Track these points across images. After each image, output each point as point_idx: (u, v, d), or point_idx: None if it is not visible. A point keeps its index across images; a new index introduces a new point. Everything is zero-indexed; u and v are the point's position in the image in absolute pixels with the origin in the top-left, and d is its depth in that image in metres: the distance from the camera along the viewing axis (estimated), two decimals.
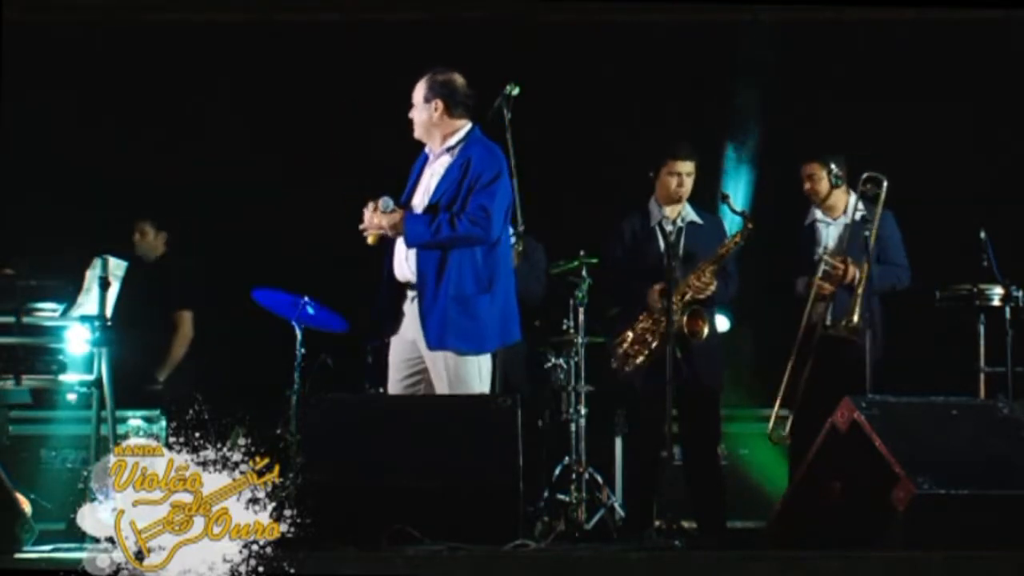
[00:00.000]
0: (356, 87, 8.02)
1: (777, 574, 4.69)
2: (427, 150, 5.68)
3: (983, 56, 7.88)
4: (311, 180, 8.01)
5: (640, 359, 6.29)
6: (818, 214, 6.67)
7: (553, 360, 7.14)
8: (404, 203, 5.61)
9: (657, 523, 6.07)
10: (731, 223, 6.62)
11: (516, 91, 5.80)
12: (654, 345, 6.25)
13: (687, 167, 6.45)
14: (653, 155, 6.50)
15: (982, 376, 6.74)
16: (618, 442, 7.28)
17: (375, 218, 5.52)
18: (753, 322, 6.84)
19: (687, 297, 6.25)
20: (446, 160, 5.59)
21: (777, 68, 7.95)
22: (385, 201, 5.51)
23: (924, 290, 6.82)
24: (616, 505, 6.90)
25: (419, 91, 5.62)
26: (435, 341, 5.45)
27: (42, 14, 7.91)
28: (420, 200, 5.60)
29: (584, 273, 6.94)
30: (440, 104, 5.57)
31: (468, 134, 5.59)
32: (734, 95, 7.97)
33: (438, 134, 5.60)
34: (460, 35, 7.88)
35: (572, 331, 7.00)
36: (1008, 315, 6.66)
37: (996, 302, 6.68)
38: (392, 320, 5.60)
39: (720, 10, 8.07)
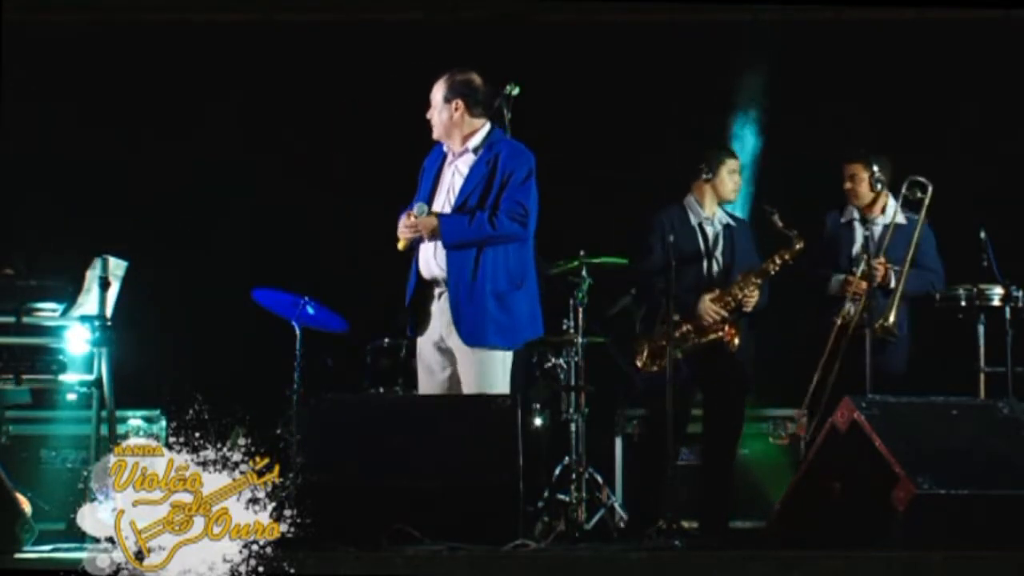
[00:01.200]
0: (356, 87, 8.02)
1: (777, 574, 4.69)
2: (445, 149, 5.69)
3: (983, 56, 7.88)
4: (311, 180, 8.01)
5: (665, 360, 6.31)
6: (855, 213, 6.69)
7: (553, 360, 7.14)
8: (425, 201, 5.63)
9: (657, 523, 6.07)
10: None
11: (516, 91, 5.80)
12: (686, 348, 6.28)
13: (738, 164, 6.56)
14: (707, 153, 6.51)
15: (982, 376, 6.74)
16: (618, 442, 7.28)
17: (411, 224, 5.53)
18: (755, 323, 6.83)
19: (731, 306, 6.30)
20: (469, 159, 5.61)
21: (777, 68, 7.94)
22: (420, 207, 5.54)
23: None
24: (616, 505, 6.90)
25: (438, 91, 5.64)
26: (471, 337, 5.48)
27: (42, 14, 7.91)
28: (444, 199, 5.62)
29: (584, 273, 6.93)
30: (461, 104, 5.60)
31: (490, 133, 5.63)
32: (734, 95, 7.96)
33: (458, 134, 5.63)
34: (460, 35, 7.88)
35: (572, 331, 6.99)
36: (1008, 315, 6.66)
37: (996, 302, 6.68)
38: (418, 318, 5.62)
39: (720, 10, 8.07)
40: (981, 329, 6.76)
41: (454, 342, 5.52)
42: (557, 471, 6.95)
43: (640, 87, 7.98)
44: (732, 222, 6.56)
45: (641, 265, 6.55)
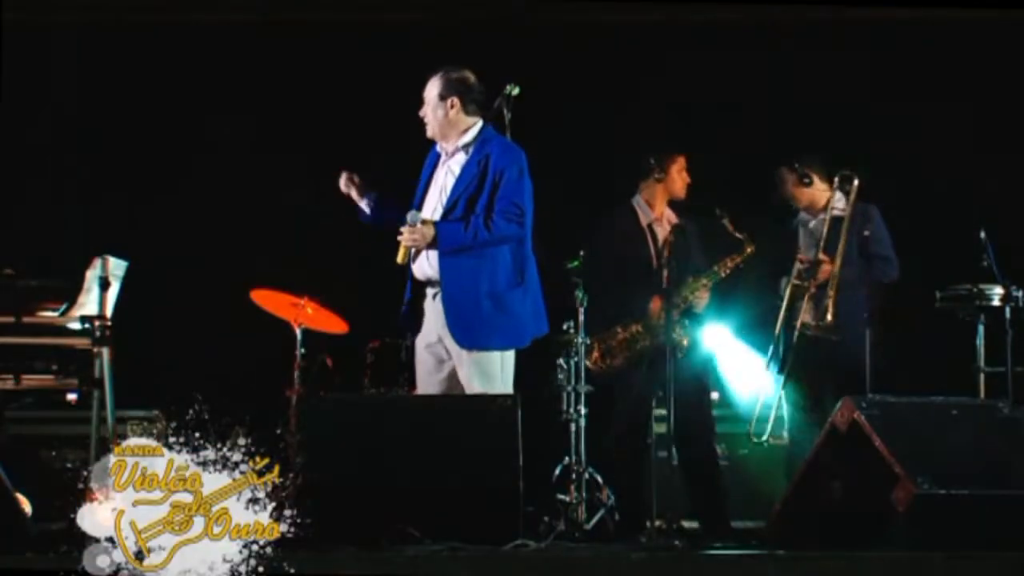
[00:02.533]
0: (356, 87, 8.02)
1: (777, 574, 4.69)
2: (438, 149, 5.67)
3: (983, 56, 7.88)
4: (311, 180, 8.00)
5: (619, 360, 6.31)
6: (802, 214, 6.68)
7: (553, 360, 7.13)
8: (418, 203, 5.62)
9: (657, 523, 6.07)
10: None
11: (516, 91, 5.79)
12: (637, 348, 6.26)
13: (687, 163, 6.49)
14: (655, 151, 6.48)
15: (982, 376, 6.74)
16: None
17: (406, 234, 5.49)
18: (753, 323, 6.83)
19: (681, 308, 6.28)
20: (461, 158, 5.60)
21: (777, 68, 7.95)
22: (413, 215, 5.50)
23: (924, 290, 6.82)
24: (616, 505, 6.88)
25: (433, 89, 5.61)
26: (466, 339, 5.47)
27: (42, 14, 7.90)
28: (435, 199, 5.60)
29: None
30: (456, 101, 5.58)
31: (481, 131, 5.61)
32: (734, 96, 7.96)
33: (453, 132, 5.60)
34: (460, 35, 7.88)
35: (572, 331, 6.99)
36: (1008, 315, 6.66)
37: (996, 302, 6.68)
38: (414, 318, 5.60)
39: (720, 10, 8.07)
40: (981, 329, 6.76)
41: (450, 343, 5.51)
42: (557, 471, 6.95)
43: (639, 87, 7.98)
44: (679, 221, 6.49)
45: (604, 274, 6.53)
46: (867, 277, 6.50)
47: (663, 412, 6.37)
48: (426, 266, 5.55)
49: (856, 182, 6.46)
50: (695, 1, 8.14)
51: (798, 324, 6.45)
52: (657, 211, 6.48)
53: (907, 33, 7.97)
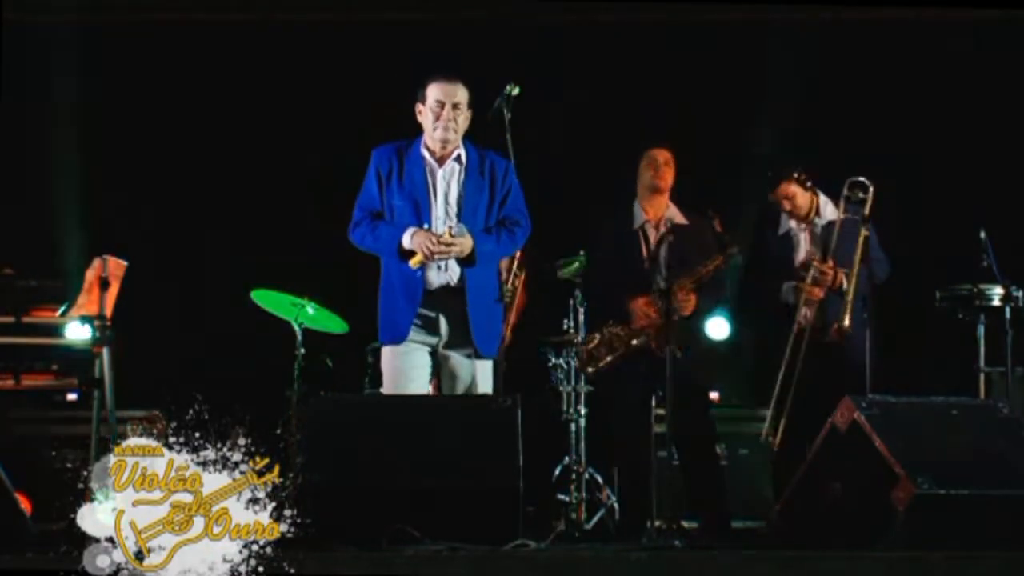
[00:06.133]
0: (356, 87, 8.02)
1: (777, 574, 4.69)
2: (425, 155, 5.61)
3: (983, 56, 7.88)
4: (311, 180, 8.01)
5: (603, 363, 6.27)
6: (791, 223, 6.51)
7: (553, 360, 7.14)
8: (427, 214, 5.53)
9: (657, 523, 6.06)
10: None
11: (516, 91, 5.78)
12: (619, 351, 6.23)
13: (663, 155, 6.36)
14: (631, 150, 6.45)
15: (982, 376, 6.74)
16: None
17: (449, 243, 5.41)
18: (754, 323, 6.83)
19: (663, 309, 6.18)
20: (455, 167, 5.57)
21: (777, 68, 7.95)
22: (460, 227, 5.42)
23: (924, 290, 6.82)
24: (616, 505, 6.89)
25: (464, 94, 5.57)
26: (486, 348, 5.52)
27: (42, 14, 7.91)
28: (442, 210, 5.54)
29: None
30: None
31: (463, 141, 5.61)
32: (734, 95, 7.97)
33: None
34: (460, 35, 7.88)
35: (572, 331, 6.99)
36: (1008, 315, 6.66)
37: (996, 302, 6.68)
38: (426, 329, 5.57)
39: (720, 10, 8.07)
40: (981, 329, 6.76)
41: (455, 351, 5.52)
42: (557, 471, 6.95)
43: (640, 87, 7.98)
44: (684, 221, 6.35)
45: (594, 276, 6.51)
46: (866, 282, 6.48)
47: (662, 412, 6.39)
48: (443, 275, 5.53)
49: (871, 189, 6.37)
50: (695, 1, 8.15)
51: (806, 330, 6.37)
52: (650, 213, 6.37)
53: (907, 32, 7.98)
